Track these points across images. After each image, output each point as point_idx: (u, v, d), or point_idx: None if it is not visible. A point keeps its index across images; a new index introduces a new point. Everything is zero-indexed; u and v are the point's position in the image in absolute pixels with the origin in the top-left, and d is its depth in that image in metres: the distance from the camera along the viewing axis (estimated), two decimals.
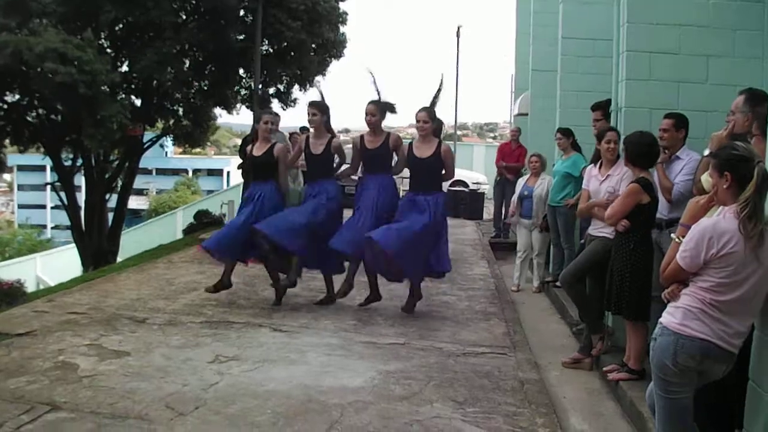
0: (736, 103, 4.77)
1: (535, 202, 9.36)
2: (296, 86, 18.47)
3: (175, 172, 67.06)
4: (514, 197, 9.86)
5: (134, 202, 41.59)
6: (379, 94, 7.65)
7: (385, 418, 4.76)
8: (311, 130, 7.98)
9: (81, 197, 17.86)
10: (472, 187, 20.26)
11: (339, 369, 5.75)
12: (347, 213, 7.91)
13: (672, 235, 3.78)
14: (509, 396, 5.33)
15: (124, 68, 15.57)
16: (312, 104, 7.82)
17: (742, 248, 3.25)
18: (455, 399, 5.19)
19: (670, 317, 3.49)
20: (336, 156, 7.88)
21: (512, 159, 13.28)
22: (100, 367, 5.53)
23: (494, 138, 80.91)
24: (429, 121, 7.46)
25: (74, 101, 12.67)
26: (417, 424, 4.70)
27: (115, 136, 14.05)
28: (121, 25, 15.08)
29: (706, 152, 5.26)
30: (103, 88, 13.02)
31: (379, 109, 7.61)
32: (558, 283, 8.79)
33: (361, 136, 7.89)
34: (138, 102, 16.08)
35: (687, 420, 3.60)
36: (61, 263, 23.68)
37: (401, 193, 8.25)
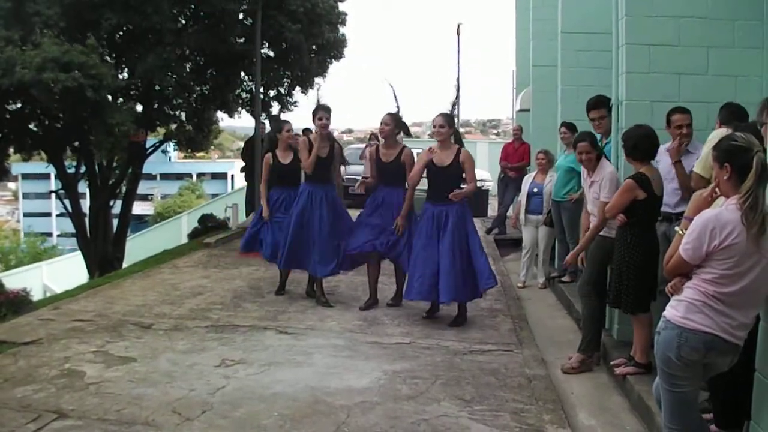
0: None
1: (546, 199, 9.34)
2: (297, 88, 18.46)
3: (179, 176, 67.15)
4: (522, 197, 9.81)
5: (139, 208, 41.66)
6: (398, 107, 7.68)
7: (392, 418, 4.76)
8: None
9: (85, 204, 17.87)
10: None
11: (345, 370, 5.76)
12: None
13: (676, 227, 3.77)
14: (516, 393, 5.33)
15: (125, 75, 15.54)
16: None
17: (744, 239, 3.23)
18: (462, 397, 5.19)
19: (673, 311, 3.48)
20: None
21: (516, 158, 13.27)
22: (106, 374, 5.54)
23: (497, 134, 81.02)
24: (445, 125, 7.22)
25: (80, 107, 12.67)
26: (424, 423, 4.70)
27: (124, 144, 14.08)
28: (121, 33, 15.06)
29: None
30: (108, 95, 13.02)
31: (394, 121, 7.61)
32: (564, 279, 8.82)
33: (377, 147, 7.90)
34: (139, 108, 16.05)
35: (693, 412, 3.59)
36: (68, 270, 23.72)
37: None
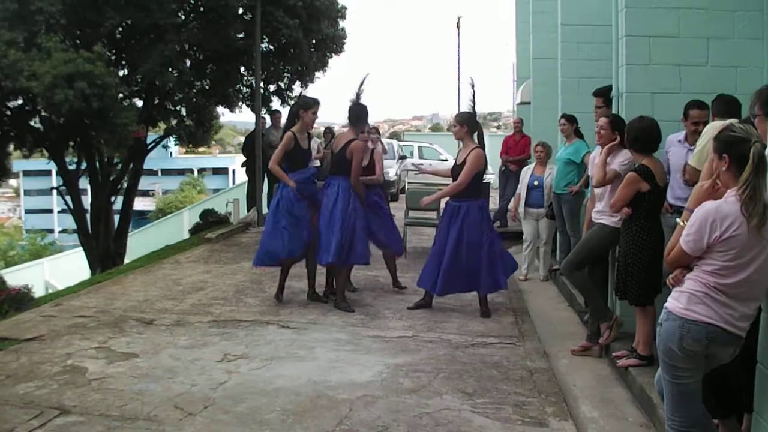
0: None
1: (546, 192, 9.35)
2: (297, 83, 18.46)
3: (181, 172, 67.05)
4: (521, 189, 9.80)
5: (140, 204, 41.64)
6: (359, 95, 7.85)
7: (395, 412, 4.76)
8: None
9: (87, 200, 17.86)
10: None
11: (347, 364, 5.77)
12: None
13: (677, 219, 3.76)
14: (518, 386, 5.34)
15: (125, 71, 15.53)
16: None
17: (745, 231, 3.22)
18: (464, 390, 5.20)
19: (675, 302, 3.47)
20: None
21: (516, 151, 13.24)
22: (108, 370, 5.55)
23: (498, 127, 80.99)
24: (456, 125, 7.56)
25: (86, 115, 12.68)
26: (426, 416, 4.70)
27: (129, 140, 14.15)
28: (121, 29, 15.02)
29: None
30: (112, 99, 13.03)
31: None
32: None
33: None
34: (140, 104, 16.04)
35: (696, 404, 3.58)
36: (69, 267, 23.72)
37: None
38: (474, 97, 7.76)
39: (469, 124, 7.46)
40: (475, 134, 7.48)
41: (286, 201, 7.59)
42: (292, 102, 18.36)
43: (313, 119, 7.74)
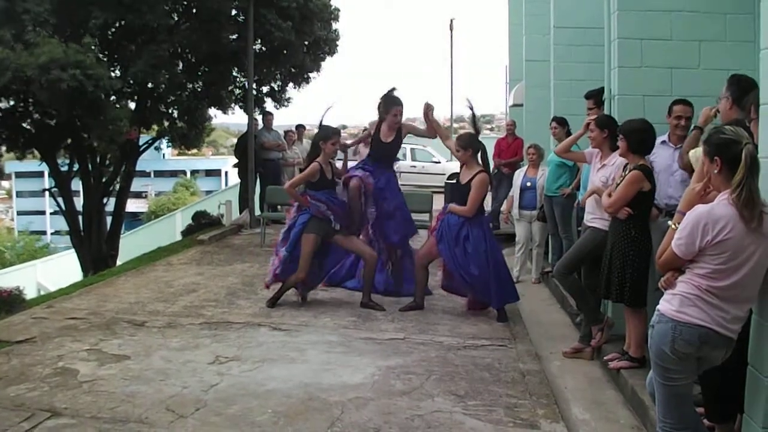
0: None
1: (539, 194, 9.37)
2: (290, 84, 18.44)
3: (173, 173, 66.91)
4: (514, 191, 9.82)
5: (133, 205, 41.45)
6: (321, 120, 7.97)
7: (386, 414, 4.76)
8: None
9: (79, 202, 17.78)
10: None
11: (339, 366, 5.76)
12: None
13: (669, 222, 3.77)
14: (510, 388, 5.34)
15: (117, 73, 15.47)
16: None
17: (737, 234, 3.23)
18: (456, 392, 5.20)
19: (667, 304, 3.48)
20: None
21: (509, 154, 13.20)
22: (99, 372, 5.53)
23: (491, 130, 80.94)
24: (460, 149, 7.54)
25: (81, 105, 12.63)
26: (418, 418, 4.70)
27: (122, 137, 14.12)
28: (113, 30, 14.98)
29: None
30: (104, 94, 12.99)
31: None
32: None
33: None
34: (132, 106, 15.98)
35: (688, 406, 3.59)
36: (62, 269, 23.62)
37: None
38: (474, 118, 7.82)
39: (473, 147, 7.50)
40: (479, 154, 7.52)
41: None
42: (286, 104, 18.41)
43: (333, 149, 7.82)
